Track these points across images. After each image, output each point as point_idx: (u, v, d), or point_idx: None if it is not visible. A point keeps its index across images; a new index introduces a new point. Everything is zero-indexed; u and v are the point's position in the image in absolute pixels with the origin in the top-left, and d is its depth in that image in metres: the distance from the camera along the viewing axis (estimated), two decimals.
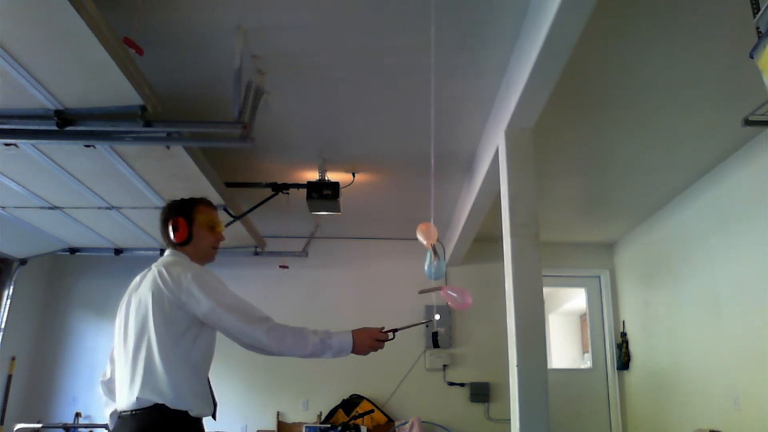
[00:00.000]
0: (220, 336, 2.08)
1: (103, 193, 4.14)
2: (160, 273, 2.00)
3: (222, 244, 2.31)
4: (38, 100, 2.81)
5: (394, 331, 2.05)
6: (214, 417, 2.02)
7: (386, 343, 2.07)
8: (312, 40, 3.28)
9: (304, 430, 6.09)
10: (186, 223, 2.18)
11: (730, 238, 4.77)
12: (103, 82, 2.69)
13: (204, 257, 2.22)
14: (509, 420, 3.35)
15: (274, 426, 6.48)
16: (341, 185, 4.84)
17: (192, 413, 1.92)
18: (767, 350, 4.22)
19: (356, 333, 2.00)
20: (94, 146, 3.28)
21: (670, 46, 3.28)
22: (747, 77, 3.17)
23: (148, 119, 2.90)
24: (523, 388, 3.19)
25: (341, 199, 4.83)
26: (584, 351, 9.03)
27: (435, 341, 6.62)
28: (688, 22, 3.08)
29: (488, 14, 3.02)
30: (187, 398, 1.91)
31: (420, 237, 2.68)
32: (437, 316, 2.12)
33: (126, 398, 1.93)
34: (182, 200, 2.26)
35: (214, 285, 2.01)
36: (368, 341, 2.01)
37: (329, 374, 6.68)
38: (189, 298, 1.95)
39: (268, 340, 1.93)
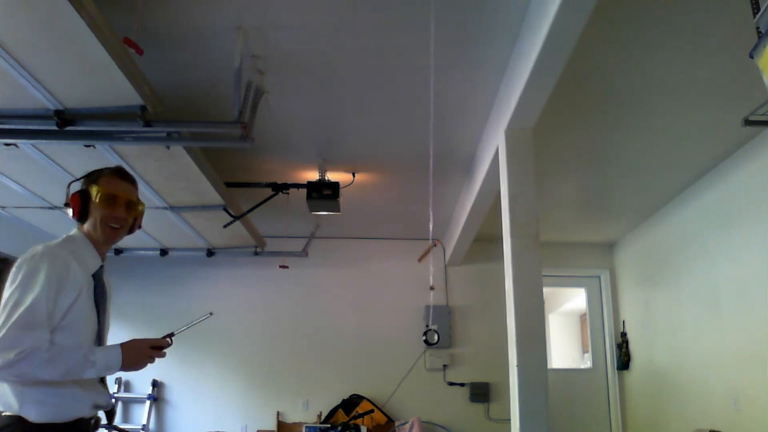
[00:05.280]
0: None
1: None
2: None
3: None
4: (38, 100, 2.80)
5: (171, 335, 1.89)
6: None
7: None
8: (312, 40, 3.28)
9: (304, 430, 6.08)
10: (80, 198, 1.92)
11: (730, 238, 4.77)
12: (103, 82, 2.69)
13: (98, 235, 1.92)
14: (509, 420, 3.35)
15: (274, 426, 6.47)
16: (341, 185, 4.84)
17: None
18: (767, 350, 4.22)
19: (125, 346, 1.78)
20: (94, 146, 3.28)
21: (670, 46, 3.28)
22: (747, 77, 3.17)
23: (148, 119, 2.90)
24: (523, 388, 3.19)
25: (341, 199, 4.84)
26: (584, 351, 9.03)
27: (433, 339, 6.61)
28: (688, 22, 3.08)
29: (488, 14, 3.02)
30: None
31: None
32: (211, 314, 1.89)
33: None
34: (89, 173, 2.00)
35: (20, 278, 1.74)
36: (141, 352, 1.80)
37: (329, 374, 6.68)
38: None
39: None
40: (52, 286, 1.73)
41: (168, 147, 3.36)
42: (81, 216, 1.92)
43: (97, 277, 1.89)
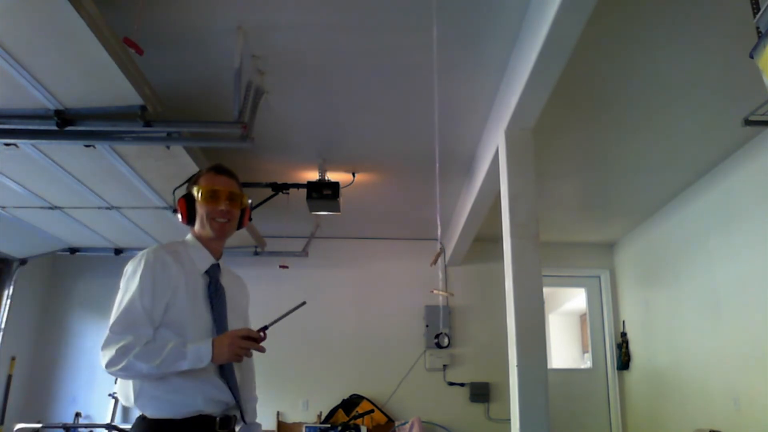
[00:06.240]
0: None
1: (103, 193, 4.14)
2: None
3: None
4: (38, 100, 2.81)
5: (265, 329, 1.86)
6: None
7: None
8: (312, 40, 3.28)
9: (304, 430, 6.08)
10: (185, 202, 1.98)
11: (730, 238, 4.77)
12: (103, 82, 2.70)
13: (208, 232, 1.96)
14: (509, 420, 3.35)
15: (274, 426, 6.47)
16: (341, 185, 4.83)
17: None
18: (767, 350, 4.22)
19: (216, 338, 1.77)
20: (94, 146, 3.28)
21: (670, 46, 3.28)
22: (747, 77, 3.17)
23: (148, 119, 2.90)
24: (523, 388, 3.19)
25: (341, 199, 4.83)
26: (584, 351, 9.03)
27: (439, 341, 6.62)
28: (688, 22, 3.08)
29: (488, 14, 3.02)
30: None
31: None
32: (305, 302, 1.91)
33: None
34: (190, 177, 2.06)
35: (123, 281, 1.84)
36: (232, 343, 1.76)
37: (329, 374, 6.68)
38: None
39: (102, 357, 1.71)
40: (146, 284, 1.79)
41: (168, 147, 3.36)
42: (189, 218, 1.98)
43: (211, 275, 1.92)
